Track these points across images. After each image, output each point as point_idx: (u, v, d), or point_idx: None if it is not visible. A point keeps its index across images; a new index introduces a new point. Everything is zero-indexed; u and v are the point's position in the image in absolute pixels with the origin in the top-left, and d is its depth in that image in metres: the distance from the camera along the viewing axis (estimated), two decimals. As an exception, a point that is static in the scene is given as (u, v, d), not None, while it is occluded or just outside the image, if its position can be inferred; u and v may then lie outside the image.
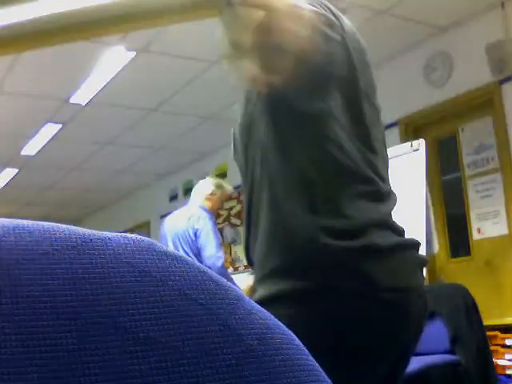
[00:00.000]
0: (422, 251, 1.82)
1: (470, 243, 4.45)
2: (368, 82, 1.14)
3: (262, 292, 1.09)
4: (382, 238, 1.04)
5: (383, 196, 1.10)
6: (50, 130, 5.91)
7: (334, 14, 1.09)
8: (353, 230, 1.03)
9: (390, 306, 1.02)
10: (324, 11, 1.06)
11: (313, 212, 1.04)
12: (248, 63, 0.93)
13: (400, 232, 1.10)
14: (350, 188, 1.06)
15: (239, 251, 6.63)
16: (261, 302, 1.11)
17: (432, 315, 3.01)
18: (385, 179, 1.12)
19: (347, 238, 1.02)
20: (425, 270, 1.19)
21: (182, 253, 0.48)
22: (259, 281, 1.11)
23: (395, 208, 1.13)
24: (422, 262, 1.13)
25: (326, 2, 1.10)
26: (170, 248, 0.42)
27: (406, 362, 1.14)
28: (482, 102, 4.33)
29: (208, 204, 3.78)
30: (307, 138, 1.08)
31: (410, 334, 1.09)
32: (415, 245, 1.12)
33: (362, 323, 1.01)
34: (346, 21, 1.12)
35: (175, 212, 3.93)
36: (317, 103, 1.06)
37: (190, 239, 3.64)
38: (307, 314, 1.01)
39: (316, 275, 1.02)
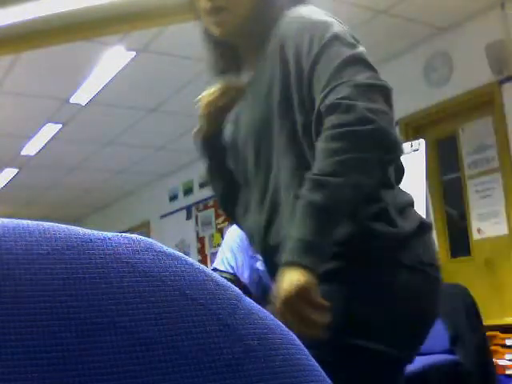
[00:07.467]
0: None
1: (470, 243, 4.45)
2: None
3: None
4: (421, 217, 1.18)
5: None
6: (49, 129, 5.90)
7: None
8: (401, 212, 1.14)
9: (431, 278, 1.15)
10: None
11: (366, 203, 1.12)
12: None
13: None
14: (389, 180, 1.20)
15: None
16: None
17: (432, 315, 3.00)
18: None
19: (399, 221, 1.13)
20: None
21: None
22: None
23: None
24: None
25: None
26: None
27: None
28: (481, 102, 4.32)
29: None
30: None
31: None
32: None
33: (411, 292, 1.12)
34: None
35: None
36: None
37: None
38: (362, 287, 1.10)
39: (372, 255, 1.11)
